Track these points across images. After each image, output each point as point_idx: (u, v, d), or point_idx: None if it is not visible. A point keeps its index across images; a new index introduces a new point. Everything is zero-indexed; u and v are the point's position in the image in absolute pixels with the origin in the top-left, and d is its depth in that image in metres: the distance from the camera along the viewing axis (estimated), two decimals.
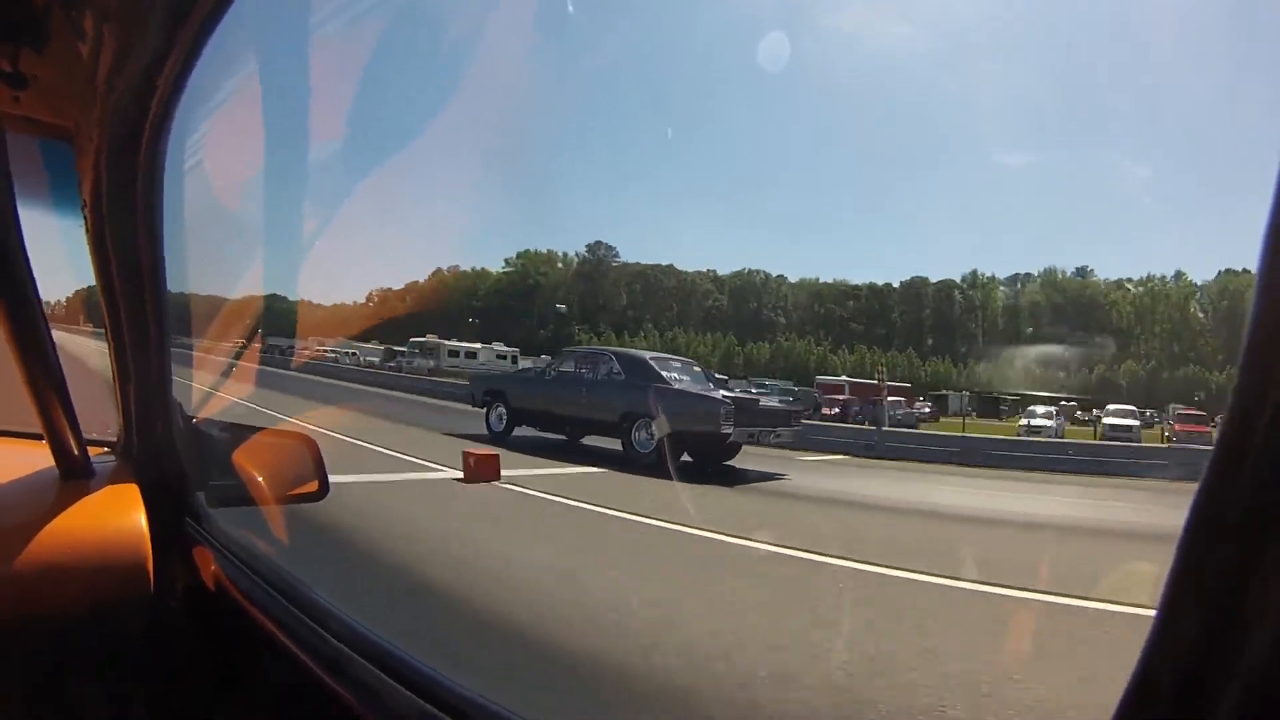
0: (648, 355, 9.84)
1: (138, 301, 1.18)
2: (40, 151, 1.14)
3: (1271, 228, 0.25)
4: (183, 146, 1.25)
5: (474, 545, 4.42)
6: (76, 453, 1.15)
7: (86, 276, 1.20)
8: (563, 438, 9.61)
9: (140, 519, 1.14)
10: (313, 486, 1.41)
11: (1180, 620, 0.28)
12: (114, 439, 1.40)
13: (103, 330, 1.24)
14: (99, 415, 1.46)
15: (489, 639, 2.87)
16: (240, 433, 1.51)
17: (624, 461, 8.17)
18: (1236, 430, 0.26)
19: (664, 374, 9.04)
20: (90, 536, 1.09)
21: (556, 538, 4.94)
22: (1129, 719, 0.29)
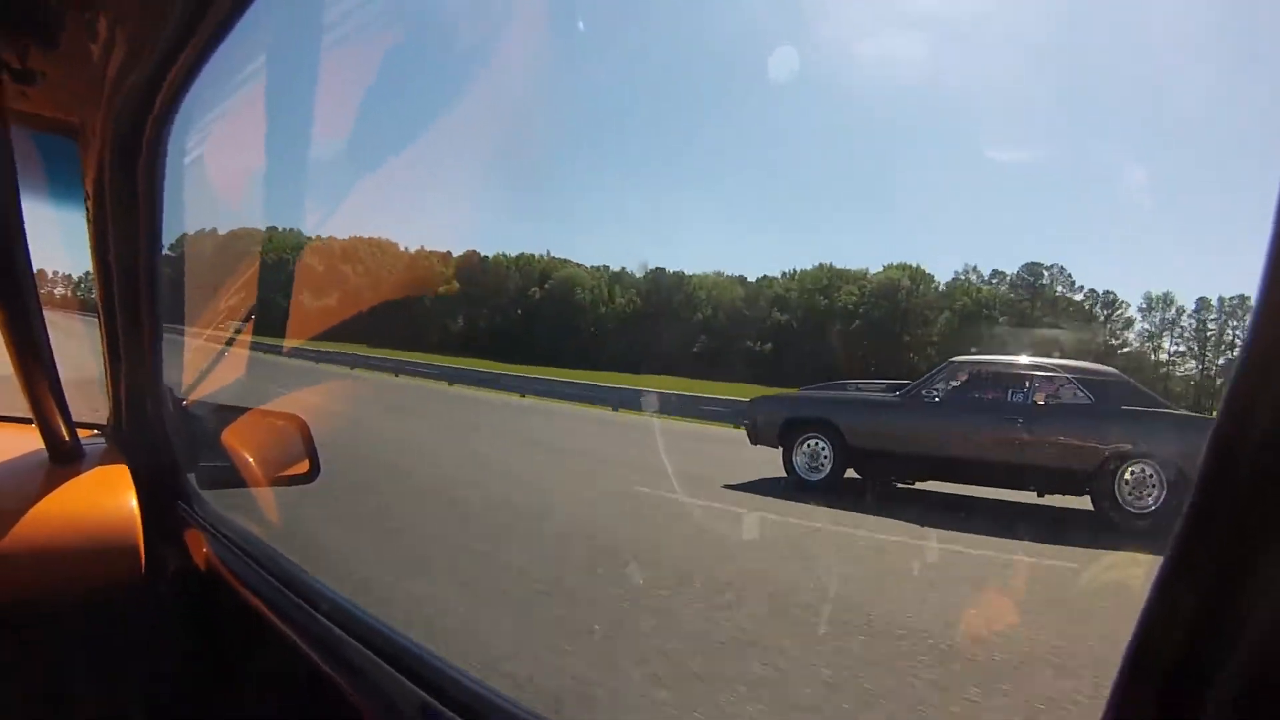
0: (1108, 368, 6.56)
1: (131, 286, 1.18)
2: (45, 145, 1.15)
3: (1278, 226, 0.25)
4: (187, 141, 1.26)
5: None
6: (66, 436, 1.14)
7: (81, 264, 1.21)
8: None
9: (131, 502, 1.14)
10: (303, 467, 1.41)
11: (1172, 614, 0.27)
12: (104, 422, 1.40)
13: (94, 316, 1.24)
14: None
15: None
16: (230, 414, 1.50)
17: (1077, 524, 5.06)
18: (1232, 426, 0.26)
19: (1150, 394, 6.11)
20: (81, 520, 1.09)
21: None
22: (1124, 715, 0.29)
